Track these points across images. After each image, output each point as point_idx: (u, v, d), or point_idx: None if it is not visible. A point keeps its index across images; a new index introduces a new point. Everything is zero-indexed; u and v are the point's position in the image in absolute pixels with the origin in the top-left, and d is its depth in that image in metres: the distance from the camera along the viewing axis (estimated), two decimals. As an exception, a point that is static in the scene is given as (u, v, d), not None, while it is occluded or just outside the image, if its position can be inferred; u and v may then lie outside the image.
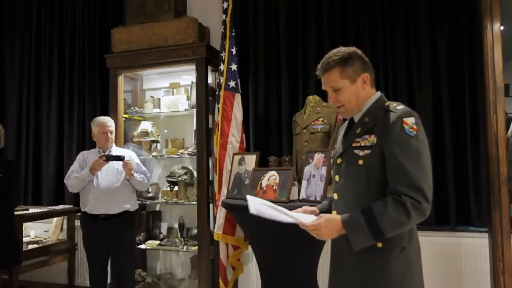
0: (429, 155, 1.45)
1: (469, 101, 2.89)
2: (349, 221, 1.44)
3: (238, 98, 3.13)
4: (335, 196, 1.60)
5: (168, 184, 3.53)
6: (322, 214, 1.53)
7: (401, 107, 1.49)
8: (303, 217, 1.54)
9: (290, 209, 1.63)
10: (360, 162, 1.48)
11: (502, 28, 2.73)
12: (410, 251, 1.49)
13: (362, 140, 1.50)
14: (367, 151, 1.47)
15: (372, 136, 1.48)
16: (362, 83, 1.56)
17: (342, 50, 1.58)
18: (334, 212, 1.58)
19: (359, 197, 1.49)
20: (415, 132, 1.42)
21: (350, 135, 1.57)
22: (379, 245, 1.43)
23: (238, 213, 2.66)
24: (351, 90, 1.54)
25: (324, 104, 2.93)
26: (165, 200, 3.53)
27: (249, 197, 1.63)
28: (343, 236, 1.47)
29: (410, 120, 1.43)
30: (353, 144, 1.53)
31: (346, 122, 1.68)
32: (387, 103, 1.54)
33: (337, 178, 1.60)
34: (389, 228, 1.39)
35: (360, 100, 1.56)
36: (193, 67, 3.31)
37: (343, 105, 1.57)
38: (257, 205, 1.57)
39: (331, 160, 1.72)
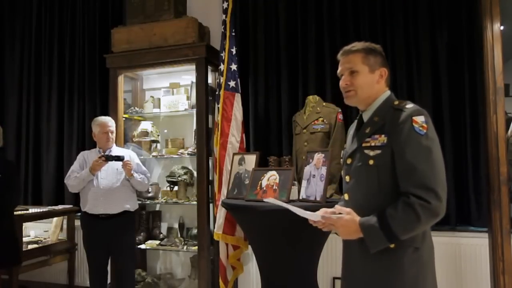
0: (440, 153, 1.44)
1: (469, 101, 2.89)
2: (365, 223, 1.44)
3: (238, 98, 3.13)
4: (346, 196, 1.60)
5: (168, 184, 3.52)
6: (345, 209, 1.52)
7: (410, 105, 1.48)
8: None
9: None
10: (371, 162, 1.48)
11: (502, 28, 2.73)
12: (423, 251, 1.48)
13: (373, 140, 1.49)
14: (378, 151, 1.46)
15: (382, 136, 1.47)
16: (379, 76, 1.56)
17: (368, 42, 1.60)
18: None
19: (369, 197, 1.49)
20: (425, 131, 1.41)
21: (359, 135, 1.56)
22: (392, 245, 1.43)
23: (238, 213, 2.66)
24: (368, 78, 1.54)
25: (324, 104, 2.93)
26: (165, 200, 3.53)
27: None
28: None
29: (420, 119, 1.42)
30: (363, 144, 1.52)
31: (355, 122, 1.68)
32: (396, 102, 1.53)
33: (347, 178, 1.59)
34: (401, 231, 1.39)
35: (372, 91, 1.55)
36: (193, 67, 3.31)
37: (353, 90, 1.55)
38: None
39: (341, 160, 1.71)
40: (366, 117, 1.58)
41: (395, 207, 1.39)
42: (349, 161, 1.58)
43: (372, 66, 1.55)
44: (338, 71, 1.61)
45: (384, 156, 1.45)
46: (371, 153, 1.48)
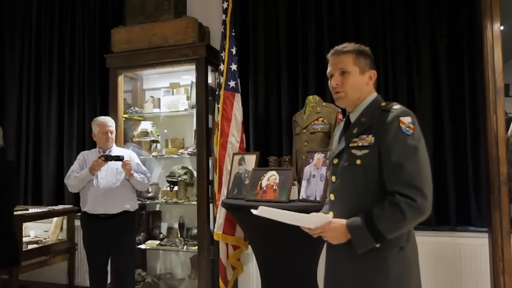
0: (426, 152, 1.46)
1: (469, 101, 2.89)
2: (352, 225, 1.45)
3: (238, 98, 3.13)
4: (332, 196, 1.60)
5: (168, 184, 3.52)
6: (328, 216, 1.53)
7: (397, 106, 1.50)
8: (315, 218, 1.55)
9: (292, 210, 1.62)
10: (358, 162, 1.49)
11: (502, 28, 2.74)
12: (408, 251, 1.49)
13: (360, 140, 1.51)
14: (365, 151, 1.48)
15: (370, 136, 1.49)
16: (368, 78, 1.58)
17: (358, 44, 1.62)
18: (330, 213, 1.59)
19: (356, 197, 1.50)
20: (411, 131, 1.43)
21: (346, 135, 1.58)
22: (377, 245, 1.44)
23: (238, 213, 2.66)
24: (358, 79, 1.56)
25: (324, 104, 2.93)
26: (165, 200, 3.53)
27: (261, 207, 1.57)
28: None
29: (407, 120, 1.44)
30: (351, 144, 1.53)
31: (342, 123, 1.70)
32: (383, 103, 1.56)
33: (333, 178, 1.60)
34: (388, 230, 1.40)
35: (362, 93, 1.57)
36: (193, 67, 3.31)
37: (343, 92, 1.56)
38: (264, 209, 1.55)
39: (327, 161, 1.72)
40: (353, 118, 1.60)
41: (381, 207, 1.41)
42: (335, 161, 1.59)
43: (363, 68, 1.57)
44: (328, 71, 1.62)
45: (371, 156, 1.47)
46: (358, 153, 1.50)
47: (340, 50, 1.59)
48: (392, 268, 1.45)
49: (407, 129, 1.43)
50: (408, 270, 1.49)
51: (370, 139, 1.48)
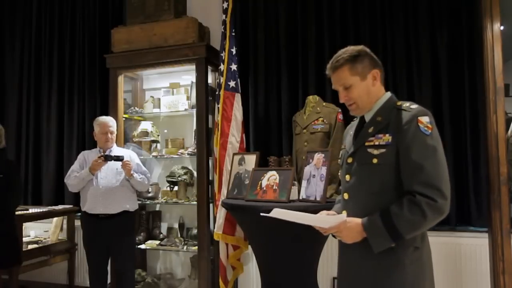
0: (443, 153, 1.45)
1: (469, 101, 2.89)
2: (368, 224, 1.44)
3: (238, 98, 3.13)
4: (346, 196, 1.59)
5: (168, 184, 3.52)
6: (343, 215, 1.53)
7: (414, 106, 1.49)
8: (330, 218, 1.54)
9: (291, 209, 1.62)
10: (375, 161, 1.48)
11: (502, 28, 2.74)
12: (423, 251, 1.49)
13: (376, 139, 1.50)
14: (382, 150, 1.47)
15: (387, 135, 1.47)
16: (372, 79, 1.56)
17: (350, 48, 1.58)
18: (344, 212, 1.58)
19: (371, 196, 1.49)
20: (430, 131, 1.42)
21: (362, 134, 1.57)
22: (392, 244, 1.43)
23: (238, 213, 2.66)
24: (362, 86, 1.54)
25: (324, 104, 2.93)
26: (165, 200, 3.53)
27: (275, 209, 1.53)
28: None
29: (425, 119, 1.43)
30: (366, 144, 1.52)
31: (355, 122, 1.68)
32: (399, 102, 1.54)
33: (347, 177, 1.58)
34: (407, 229, 1.40)
35: (371, 96, 1.56)
36: (193, 67, 3.31)
37: (354, 103, 1.56)
38: (278, 211, 1.52)
39: (340, 160, 1.71)
40: (368, 117, 1.58)
41: (400, 206, 1.40)
42: (350, 160, 1.58)
43: (362, 73, 1.54)
44: (332, 87, 1.62)
45: (389, 155, 1.46)
46: (375, 151, 1.49)
47: (334, 65, 1.56)
48: (408, 266, 1.44)
49: (426, 128, 1.42)
50: (422, 270, 1.48)
51: (387, 138, 1.47)
